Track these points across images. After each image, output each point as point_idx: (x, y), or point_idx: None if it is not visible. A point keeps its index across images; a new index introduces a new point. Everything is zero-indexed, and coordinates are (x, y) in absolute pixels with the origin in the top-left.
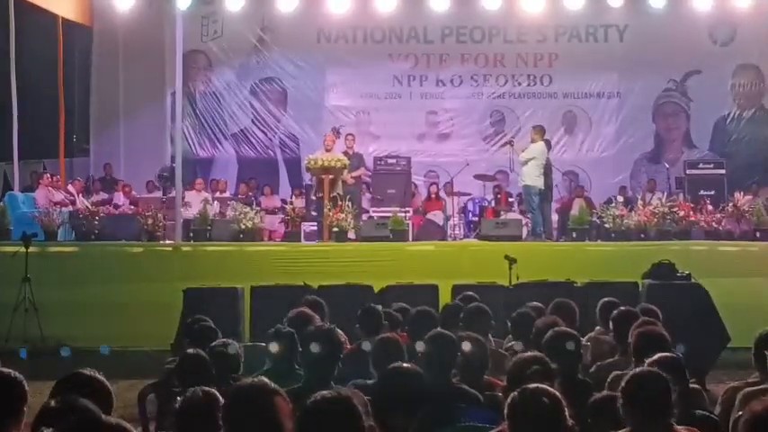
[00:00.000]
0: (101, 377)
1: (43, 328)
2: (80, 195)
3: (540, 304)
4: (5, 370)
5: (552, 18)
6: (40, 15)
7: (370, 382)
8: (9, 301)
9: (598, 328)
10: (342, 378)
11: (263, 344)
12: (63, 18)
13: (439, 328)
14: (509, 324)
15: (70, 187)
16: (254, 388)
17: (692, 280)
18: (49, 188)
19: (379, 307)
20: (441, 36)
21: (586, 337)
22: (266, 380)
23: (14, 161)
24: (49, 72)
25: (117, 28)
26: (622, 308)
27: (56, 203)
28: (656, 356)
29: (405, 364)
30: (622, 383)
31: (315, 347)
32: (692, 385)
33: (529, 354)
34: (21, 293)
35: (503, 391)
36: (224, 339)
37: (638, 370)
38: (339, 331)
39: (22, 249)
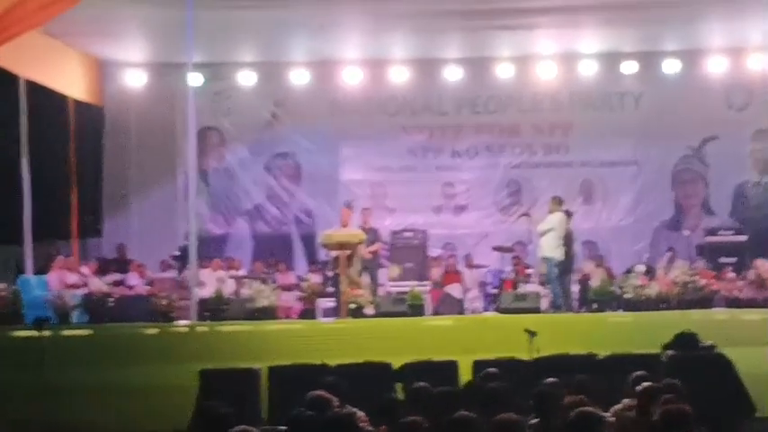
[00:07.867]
0: None
1: (59, 413)
2: (94, 277)
3: (558, 381)
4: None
5: (567, 86)
6: (51, 96)
7: None
8: (24, 387)
9: (625, 400)
10: None
11: (283, 428)
12: (74, 99)
13: (461, 411)
14: (532, 401)
15: (84, 269)
16: None
17: (715, 350)
18: (64, 270)
19: (395, 393)
20: (455, 107)
21: (611, 410)
22: None
23: (26, 244)
24: (60, 153)
25: (128, 107)
26: (646, 383)
27: (69, 286)
28: None
29: None
30: None
31: None
32: None
33: None
34: (36, 378)
35: None
36: (242, 426)
37: None
38: (359, 414)
39: (36, 334)
